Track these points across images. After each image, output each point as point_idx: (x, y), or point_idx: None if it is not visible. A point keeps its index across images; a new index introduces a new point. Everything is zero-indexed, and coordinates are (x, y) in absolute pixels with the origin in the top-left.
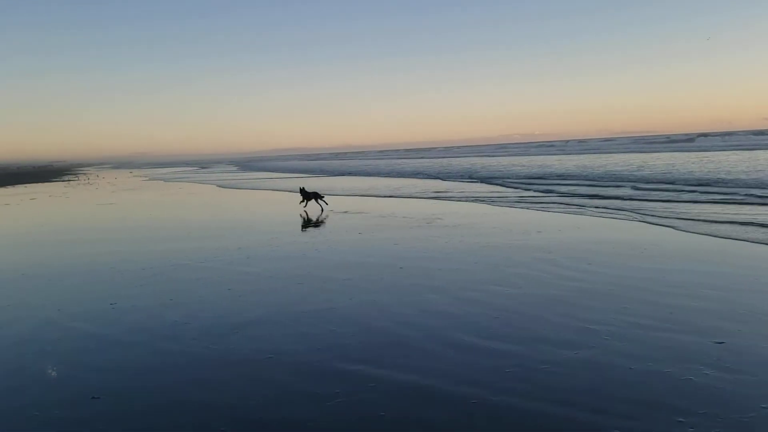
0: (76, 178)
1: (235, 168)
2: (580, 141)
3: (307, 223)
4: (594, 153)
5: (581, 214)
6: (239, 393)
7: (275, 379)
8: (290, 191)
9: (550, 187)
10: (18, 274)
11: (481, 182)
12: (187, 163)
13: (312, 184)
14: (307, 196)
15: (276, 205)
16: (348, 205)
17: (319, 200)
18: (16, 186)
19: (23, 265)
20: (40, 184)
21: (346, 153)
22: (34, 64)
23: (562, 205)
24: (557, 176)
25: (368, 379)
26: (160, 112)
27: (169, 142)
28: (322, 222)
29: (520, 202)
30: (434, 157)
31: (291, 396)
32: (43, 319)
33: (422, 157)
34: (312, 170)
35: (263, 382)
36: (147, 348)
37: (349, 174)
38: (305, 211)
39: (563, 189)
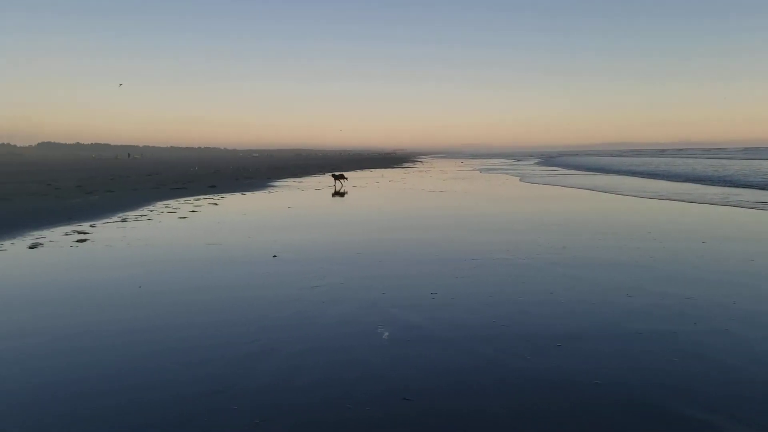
0: (413, 166)
1: (534, 162)
2: None
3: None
4: None
5: None
6: (567, 429)
7: (612, 418)
8: (588, 189)
9: None
10: (353, 252)
11: None
12: (506, 155)
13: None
14: (336, 177)
15: (588, 202)
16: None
17: (341, 180)
18: (364, 170)
19: (358, 245)
20: (383, 170)
21: (665, 150)
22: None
23: None
24: None
25: None
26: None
27: (495, 135)
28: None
29: None
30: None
31: None
32: (368, 301)
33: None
34: (602, 168)
35: (599, 419)
36: (462, 347)
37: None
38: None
39: None
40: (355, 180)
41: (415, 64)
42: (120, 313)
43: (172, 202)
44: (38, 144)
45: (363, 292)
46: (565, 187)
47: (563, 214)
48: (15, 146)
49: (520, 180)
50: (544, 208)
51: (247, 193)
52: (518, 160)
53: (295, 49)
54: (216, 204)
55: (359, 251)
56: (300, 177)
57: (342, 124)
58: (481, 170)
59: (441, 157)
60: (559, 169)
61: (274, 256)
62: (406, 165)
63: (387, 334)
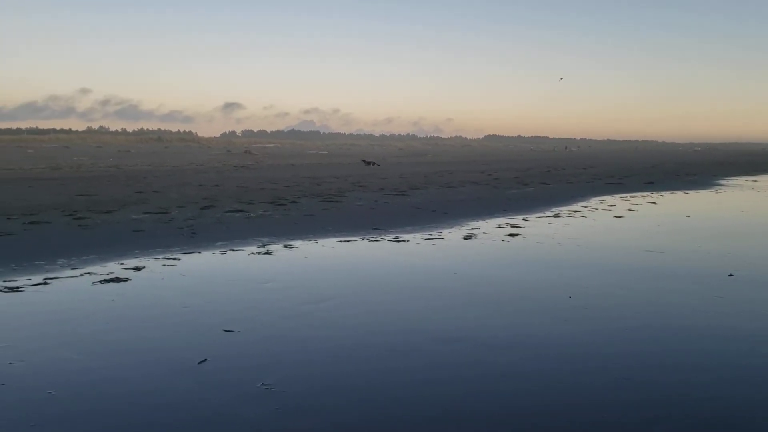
0: None
1: None
2: None
3: None
4: None
5: None
6: None
7: None
8: None
9: None
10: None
11: None
12: None
13: None
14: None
15: None
16: None
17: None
18: None
19: None
20: None
21: None
22: None
23: None
24: None
25: None
26: None
27: None
28: None
29: None
30: None
31: None
32: None
33: None
34: None
35: None
36: None
37: None
38: None
39: None
40: None
41: None
42: (549, 325)
43: (607, 198)
44: (484, 136)
45: None
46: None
47: None
48: (465, 138)
49: None
50: None
51: (689, 191)
52: None
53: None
54: (654, 203)
55: None
56: (754, 175)
57: None
58: None
59: None
60: None
61: (730, 275)
62: None
63: None
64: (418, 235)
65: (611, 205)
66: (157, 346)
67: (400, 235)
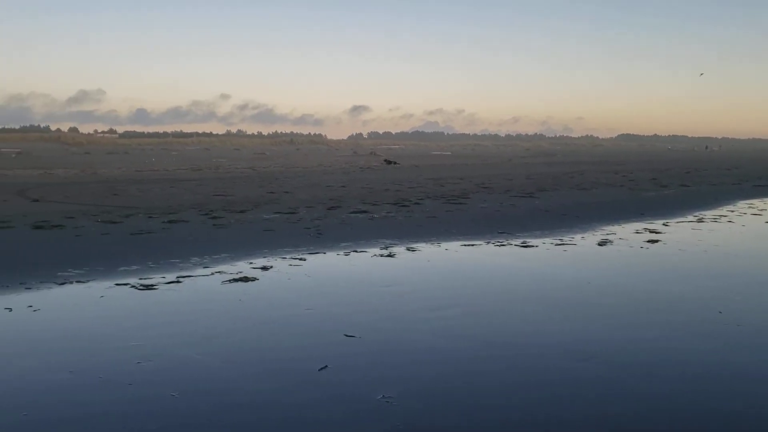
0: None
1: None
2: None
3: None
4: None
5: None
6: None
7: None
8: None
9: None
10: None
11: None
12: None
13: None
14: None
15: None
16: None
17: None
18: None
19: None
20: None
21: None
22: None
23: None
24: None
25: None
26: None
27: None
28: None
29: None
30: None
31: None
32: None
33: None
34: None
35: None
36: None
37: None
38: None
39: None
40: None
41: None
42: (696, 344)
43: (756, 202)
44: (617, 135)
45: None
46: None
47: None
48: (597, 137)
49: None
50: None
51: None
52: None
53: None
54: None
55: None
56: None
57: None
58: None
59: None
60: None
61: None
62: None
63: None
64: (547, 240)
65: (761, 210)
66: (279, 349)
67: (527, 240)
